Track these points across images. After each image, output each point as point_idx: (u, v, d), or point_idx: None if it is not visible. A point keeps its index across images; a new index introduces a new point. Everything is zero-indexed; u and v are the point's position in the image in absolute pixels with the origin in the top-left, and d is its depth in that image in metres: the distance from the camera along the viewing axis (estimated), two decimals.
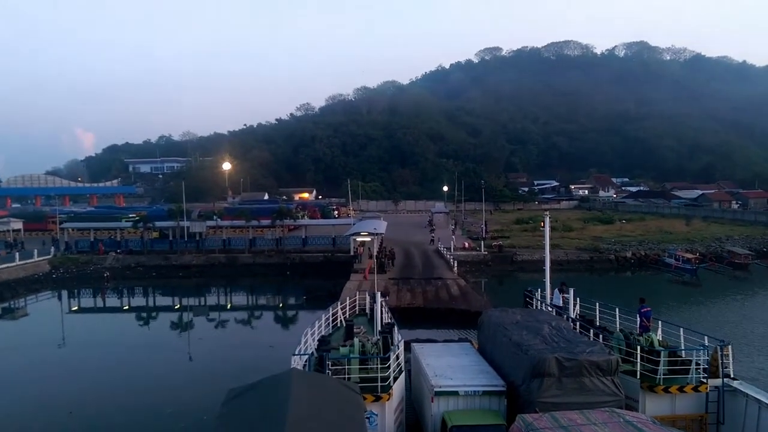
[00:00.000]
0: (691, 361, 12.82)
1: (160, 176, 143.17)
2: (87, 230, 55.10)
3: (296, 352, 13.42)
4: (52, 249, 49.00)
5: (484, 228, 59.87)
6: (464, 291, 32.52)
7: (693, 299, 36.61)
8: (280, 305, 39.78)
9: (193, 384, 20.70)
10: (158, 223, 53.78)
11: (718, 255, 49.19)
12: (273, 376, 9.37)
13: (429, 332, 24.39)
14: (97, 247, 50.61)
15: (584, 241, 56.01)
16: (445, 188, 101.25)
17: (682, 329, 13.59)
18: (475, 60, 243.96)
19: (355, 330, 15.66)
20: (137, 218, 54.90)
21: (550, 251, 21.24)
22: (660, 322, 15.01)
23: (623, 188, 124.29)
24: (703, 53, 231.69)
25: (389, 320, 17.27)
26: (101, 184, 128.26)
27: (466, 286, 34.09)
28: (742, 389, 12.09)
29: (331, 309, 18.51)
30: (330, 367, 12.11)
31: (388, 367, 12.25)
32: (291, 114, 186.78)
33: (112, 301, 41.24)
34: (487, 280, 43.14)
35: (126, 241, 52.79)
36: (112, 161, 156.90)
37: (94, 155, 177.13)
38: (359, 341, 13.50)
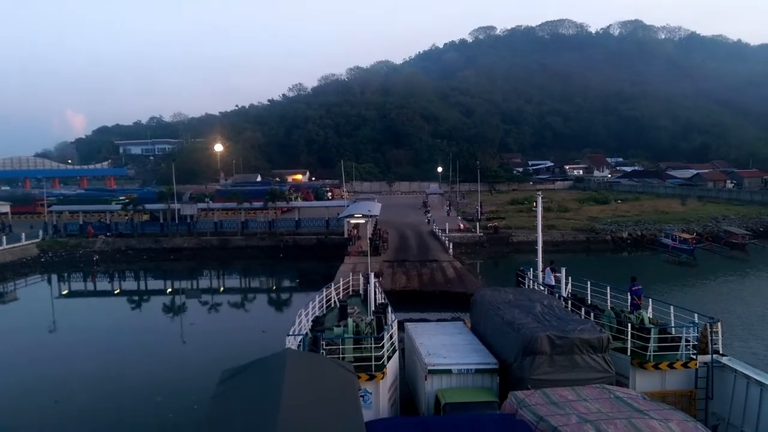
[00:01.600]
0: (680, 338, 12.93)
1: (151, 158, 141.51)
2: (76, 213, 54.30)
3: (290, 333, 13.41)
4: (41, 232, 48.36)
5: (479, 209, 60.00)
6: (460, 273, 32.29)
7: (689, 280, 36.65)
8: (274, 288, 39.68)
9: (185, 369, 20.54)
10: (149, 206, 53.02)
11: (715, 235, 49.28)
12: (268, 356, 9.31)
13: (423, 314, 24.50)
14: (86, 230, 50.07)
15: (580, 221, 56.13)
16: (440, 169, 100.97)
17: (672, 307, 13.69)
18: (469, 39, 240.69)
19: (348, 310, 15.67)
20: (127, 201, 54.26)
21: (546, 232, 21.25)
22: (650, 300, 15.14)
23: (618, 168, 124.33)
24: (698, 32, 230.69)
25: (383, 300, 17.28)
26: (91, 166, 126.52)
27: (462, 268, 33.92)
28: (730, 365, 12.24)
29: (324, 290, 18.48)
30: (324, 347, 12.11)
31: (382, 347, 12.28)
32: (283, 95, 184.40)
33: (102, 285, 40.87)
34: (482, 262, 43.15)
35: (116, 224, 52.27)
36: (103, 143, 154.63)
37: (84, 137, 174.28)
38: (353, 321, 13.49)
